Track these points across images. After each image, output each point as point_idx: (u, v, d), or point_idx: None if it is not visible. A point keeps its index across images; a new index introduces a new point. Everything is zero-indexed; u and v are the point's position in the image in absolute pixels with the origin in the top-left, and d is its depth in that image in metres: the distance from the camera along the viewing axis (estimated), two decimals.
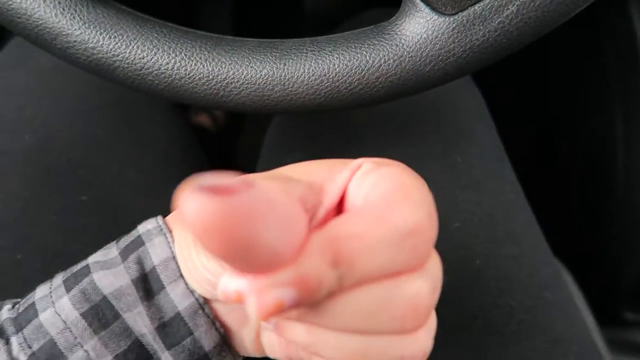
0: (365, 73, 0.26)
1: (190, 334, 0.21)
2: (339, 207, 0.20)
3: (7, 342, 0.21)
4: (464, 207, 0.33)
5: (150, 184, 0.37)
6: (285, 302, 0.15)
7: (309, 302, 0.16)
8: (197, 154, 0.45)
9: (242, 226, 0.13)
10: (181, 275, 0.21)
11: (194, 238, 0.19)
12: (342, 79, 0.26)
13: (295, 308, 0.16)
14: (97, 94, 0.38)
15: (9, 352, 0.20)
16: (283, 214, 0.14)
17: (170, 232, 0.21)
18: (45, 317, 0.21)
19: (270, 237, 0.14)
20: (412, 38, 0.26)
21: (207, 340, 0.21)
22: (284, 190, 0.18)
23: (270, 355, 0.23)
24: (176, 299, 0.21)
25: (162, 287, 0.21)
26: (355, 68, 0.26)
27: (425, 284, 0.17)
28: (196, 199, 0.13)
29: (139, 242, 0.21)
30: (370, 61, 0.26)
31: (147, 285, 0.21)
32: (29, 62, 0.39)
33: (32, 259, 0.31)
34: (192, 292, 0.21)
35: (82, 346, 0.20)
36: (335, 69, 0.26)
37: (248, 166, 0.38)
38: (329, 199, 0.19)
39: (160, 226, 0.22)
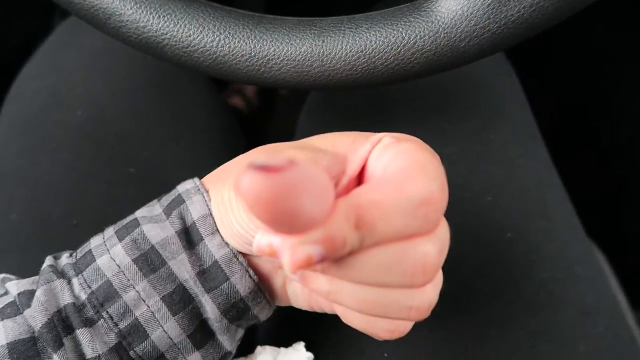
0: (401, 49, 0.27)
1: (227, 279, 0.23)
2: (360, 176, 0.22)
3: (69, 282, 0.24)
4: (496, 182, 0.34)
5: (192, 158, 0.39)
6: (314, 257, 0.17)
7: (334, 258, 0.18)
8: (235, 132, 0.47)
9: (286, 199, 0.15)
10: (217, 230, 0.23)
11: (237, 201, 0.22)
12: (378, 55, 0.27)
13: (322, 263, 0.18)
14: (142, 73, 0.40)
15: (72, 291, 0.23)
16: (319, 186, 0.16)
17: (207, 191, 0.24)
18: (102, 262, 0.23)
19: (308, 207, 0.16)
20: (448, 15, 0.26)
21: (242, 285, 0.23)
22: (313, 160, 0.20)
23: (293, 304, 0.25)
24: (214, 249, 0.23)
25: (202, 239, 0.23)
26: (392, 44, 0.27)
27: (434, 247, 0.19)
28: (250, 176, 0.15)
29: (179, 200, 0.24)
30: (407, 38, 0.27)
31: (188, 237, 0.23)
32: (79, 44, 0.41)
33: (86, 225, 0.33)
34: (227, 244, 0.23)
35: (134, 287, 0.23)
36: (372, 46, 0.27)
37: None
38: (352, 169, 0.22)
39: (198, 186, 0.24)
